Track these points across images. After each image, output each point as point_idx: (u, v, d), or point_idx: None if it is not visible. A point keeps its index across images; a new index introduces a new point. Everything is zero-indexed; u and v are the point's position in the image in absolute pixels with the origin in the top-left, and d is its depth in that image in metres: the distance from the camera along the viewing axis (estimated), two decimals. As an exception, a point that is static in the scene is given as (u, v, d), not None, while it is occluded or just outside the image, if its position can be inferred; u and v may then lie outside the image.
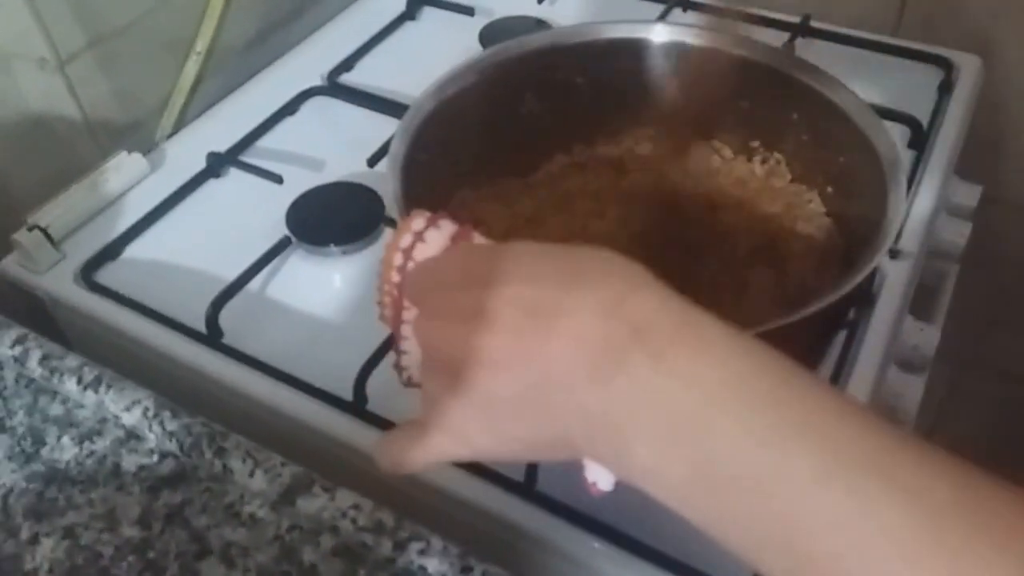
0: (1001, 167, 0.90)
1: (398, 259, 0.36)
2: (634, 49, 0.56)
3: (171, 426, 0.45)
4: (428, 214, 0.36)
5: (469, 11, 0.86)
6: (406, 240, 0.36)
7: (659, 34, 0.56)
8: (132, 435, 0.46)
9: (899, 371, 0.65)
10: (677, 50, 0.56)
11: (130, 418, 0.46)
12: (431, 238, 0.35)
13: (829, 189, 0.54)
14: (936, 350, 0.68)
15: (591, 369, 0.29)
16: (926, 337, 0.67)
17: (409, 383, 0.38)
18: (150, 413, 0.46)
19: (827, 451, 0.26)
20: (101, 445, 0.45)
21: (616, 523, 0.48)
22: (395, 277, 0.36)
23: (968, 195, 0.78)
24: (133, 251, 0.66)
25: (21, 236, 0.63)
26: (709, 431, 0.27)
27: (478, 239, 0.36)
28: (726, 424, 0.27)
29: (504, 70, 0.55)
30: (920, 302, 0.70)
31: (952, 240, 0.75)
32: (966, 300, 0.84)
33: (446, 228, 0.36)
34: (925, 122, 0.72)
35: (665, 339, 0.28)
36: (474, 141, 0.55)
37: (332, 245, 0.64)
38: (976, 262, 0.79)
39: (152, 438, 0.45)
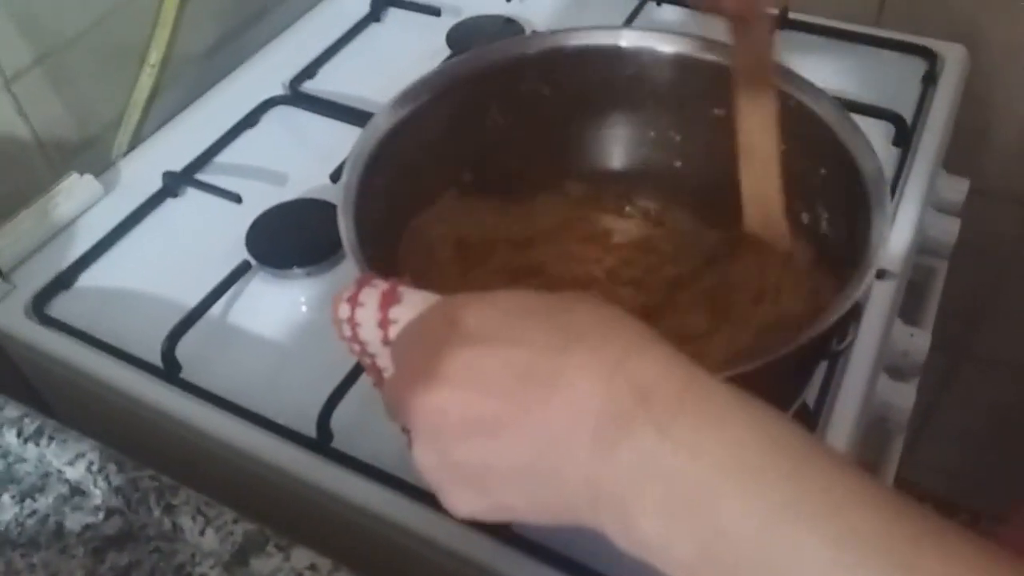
0: (988, 159, 0.88)
1: (346, 330, 0.36)
2: (602, 56, 0.53)
3: (117, 480, 0.42)
4: (358, 277, 0.36)
5: (435, 11, 0.83)
6: (344, 311, 0.35)
7: (628, 40, 0.53)
8: (76, 491, 0.43)
9: (889, 379, 0.63)
10: (647, 57, 0.53)
11: (74, 473, 0.43)
12: (366, 298, 0.35)
13: (809, 201, 0.51)
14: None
15: (593, 438, 0.27)
16: (916, 343, 0.65)
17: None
18: (95, 467, 0.43)
19: (847, 536, 0.24)
20: (43, 503, 0.43)
21: (593, 563, 0.45)
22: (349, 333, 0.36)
23: (955, 189, 0.76)
24: (87, 280, 0.63)
25: (-34, 268, 0.60)
26: (717, 507, 0.25)
27: (407, 293, 0.35)
28: (734, 499, 0.25)
29: (464, 84, 0.52)
30: (909, 302, 0.68)
31: (941, 238, 0.73)
32: (957, 292, 0.82)
33: (380, 285, 0.35)
34: (909, 117, 0.70)
35: (670, 404, 0.27)
36: (435, 159, 0.52)
37: (295, 267, 0.62)
38: (966, 254, 0.77)
39: (97, 494, 0.43)
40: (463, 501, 0.31)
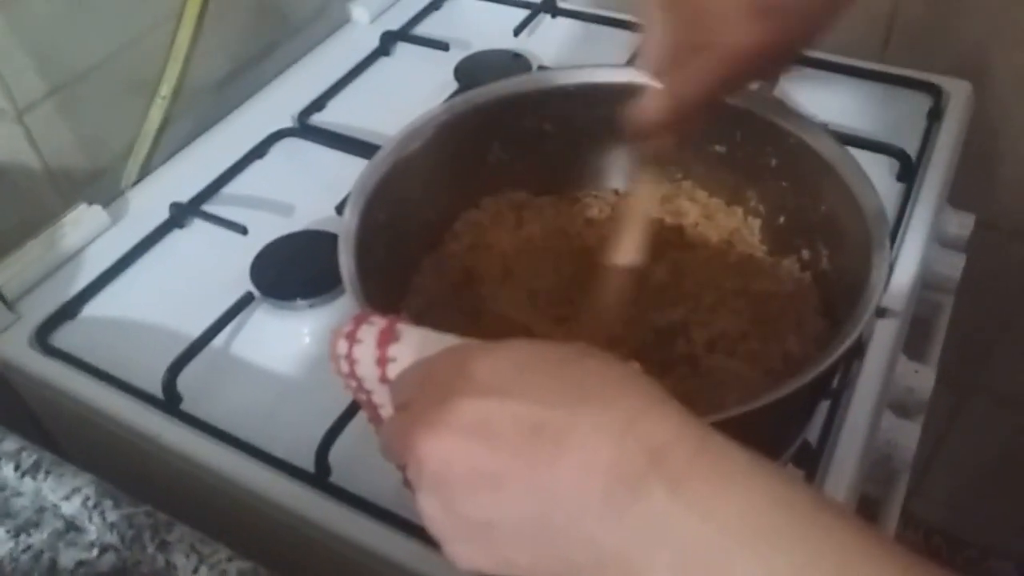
0: (994, 193, 0.87)
1: (344, 366, 0.36)
2: (603, 94, 0.53)
3: (112, 516, 0.42)
4: (356, 314, 0.36)
5: (444, 46, 0.84)
6: (343, 347, 0.35)
7: (628, 77, 0.54)
8: (71, 526, 0.43)
9: (894, 416, 0.63)
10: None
11: (70, 507, 0.43)
12: (364, 335, 0.35)
13: (809, 238, 0.51)
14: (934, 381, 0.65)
15: (603, 498, 0.27)
16: (921, 380, 0.65)
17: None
18: (91, 502, 0.43)
19: None
20: (38, 538, 0.42)
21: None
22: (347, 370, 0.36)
23: (961, 224, 0.76)
24: (91, 310, 0.64)
25: (-28, 297, 0.61)
26: (728, 570, 0.25)
27: (406, 331, 0.35)
28: (747, 564, 0.25)
29: (466, 122, 0.52)
30: (914, 338, 0.68)
31: (946, 273, 0.73)
32: (964, 327, 0.81)
33: (378, 322, 0.35)
34: (914, 152, 0.70)
35: (682, 465, 0.26)
36: (438, 194, 0.52)
37: (298, 299, 0.62)
38: (972, 289, 0.77)
39: (92, 530, 0.43)
40: (466, 554, 0.31)
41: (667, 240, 0.54)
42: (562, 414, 0.28)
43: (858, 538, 0.25)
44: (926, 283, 0.72)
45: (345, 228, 0.45)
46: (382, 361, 0.36)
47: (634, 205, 0.49)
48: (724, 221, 0.54)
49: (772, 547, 0.25)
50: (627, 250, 0.47)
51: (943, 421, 1.10)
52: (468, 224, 0.53)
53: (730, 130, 0.52)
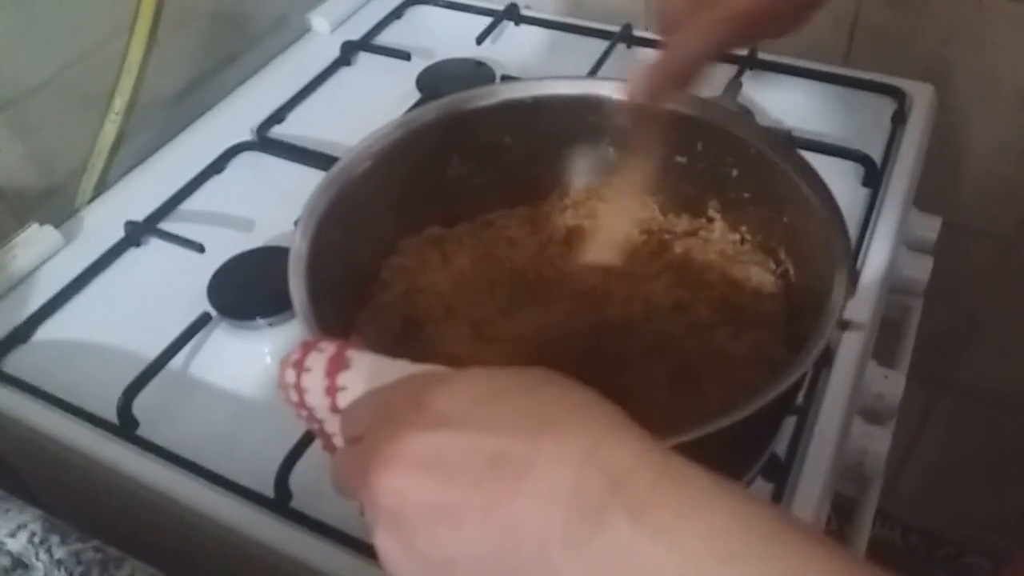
0: (960, 195, 0.88)
1: (293, 396, 0.35)
2: (562, 106, 0.53)
3: (59, 553, 0.41)
4: (304, 341, 0.35)
5: (406, 56, 0.82)
6: (290, 377, 0.34)
7: (587, 89, 0.53)
8: (18, 564, 0.41)
9: (864, 423, 0.62)
10: (607, 106, 0.52)
11: (15, 544, 0.42)
12: (312, 362, 0.34)
13: (772, 249, 0.50)
14: (906, 377, 0.65)
15: (565, 530, 0.26)
16: (891, 385, 0.64)
17: None
18: (37, 539, 0.42)
19: None
20: (-17, 577, 0.41)
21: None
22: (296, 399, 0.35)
23: (928, 227, 0.76)
24: (44, 333, 0.62)
25: (-80, 323, 0.59)
26: None
27: (356, 357, 0.34)
28: None
29: (423, 136, 0.51)
30: (884, 342, 0.67)
31: (914, 276, 0.73)
32: (934, 327, 0.81)
33: (327, 349, 0.34)
34: (879, 157, 0.70)
35: (645, 491, 0.26)
36: (394, 210, 0.51)
37: (257, 318, 0.60)
38: (941, 290, 0.77)
39: (40, 567, 0.41)
40: None
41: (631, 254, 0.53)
42: (521, 443, 0.27)
43: (825, 556, 0.24)
44: (895, 287, 0.72)
45: (295, 252, 0.44)
46: (331, 390, 0.34)
47: (612, 206, 0.48)
48: (684, 232, 0.54)
49: (738, 570, 0.24)
50: (602, 249, 0.47)
51: (916, 419, 1.11)
52: (395, 271, 0.52)
53: (691, 140, 0.52)
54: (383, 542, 0.29)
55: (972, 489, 1.16)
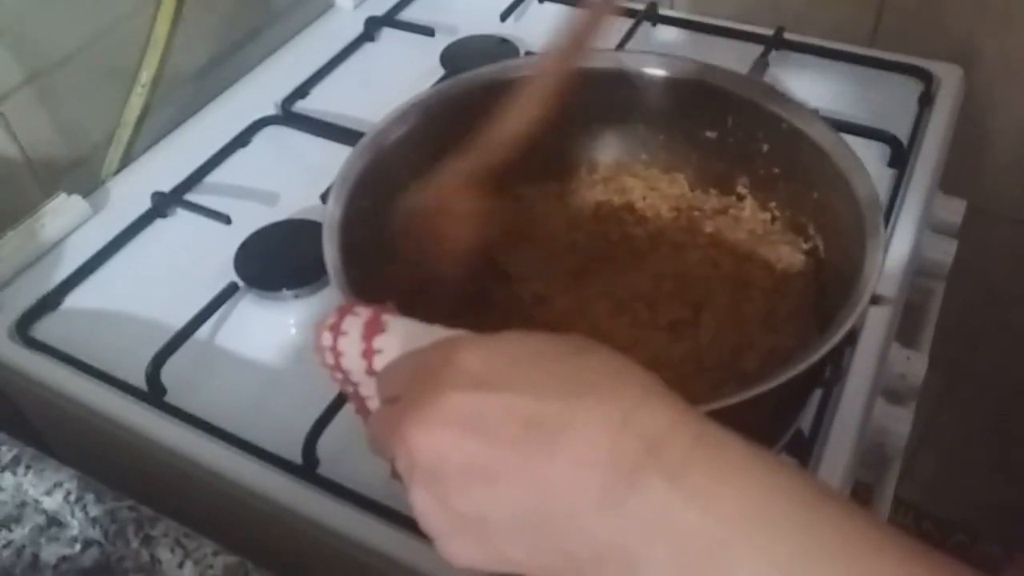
0: (985, 179, 0.87)
1: (329, 358, 0.35)
2: (592, 80, 0.52)
3: (95, 511, 0.42)
4: (339, 305, 0.35)
5: (430, 31, 0.82)
6: (327, 340, 0.35)
7: (617, 63, 0.53)
8: (54, 521, 0.42)
9: (886, 403, 0.62)
10: (637, 80, 0.52)
11: (51, 502, 0.43)
12: (349, 326, 0.34)
13: (802, 225, 0.50)
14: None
15: (601, 492, 0.26)
16: (913, 366, 0.64)
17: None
18: (72, 497, 0.42)
19: None
20: (20, 534, 0.42)
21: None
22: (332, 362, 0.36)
23: (952, 210, 0.76)
24: (73, 301, 0.63)
25: (-49, 289, 0.60)
26: (728, 562, 0.25)
27: (391, 322, 0.34)
28: (747, 554, 0.24)
29: (452, 107, 0.51)
30: (906, 324, 0.67)
31: (938, 259, 0.73)
32: (955, 312, 0.81)
33: (362, 314, 0.35)
34: (905, 138, 0.69)
35: (681, 456, 0.26)
36: (423, 181, 0.51)
37: (284, 289, 0.61)
38: (964, 274, 0.76)
39: (75, 525, 0.42)
40: (461, 550, 0.30)
41: (658, 228, 0.53)
42: (558, 407, 0.27)
43: (856, 524, 0.25)
44: (918, 269, 0.72)
45: (329, 217, 0.44)
46: (368, 353, 0.35)
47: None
48: (713, 208, 0.53)
49: (771, 536, 0.24)
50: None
51: (933, 405, 1.10)
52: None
53: (721, 116, 0.51)
54: (419, 498, 0.30)
55: (986, 476, 1.16)
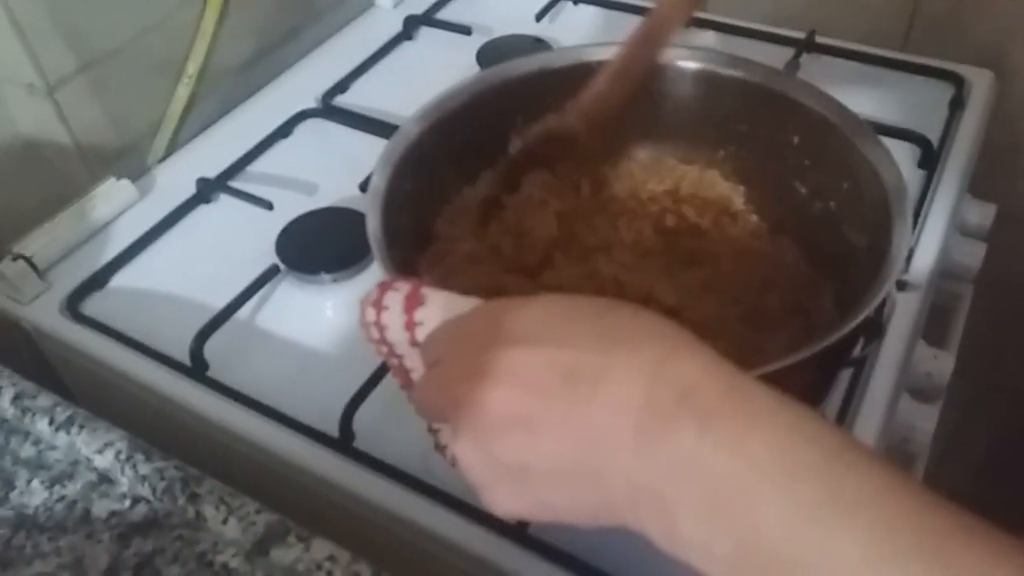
0: (1016, 185, 0.87)
1: (374, 333, 0.37)
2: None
3: (144, 470, 0.43)
4: (380, 282, 0.37)
5: (466, 31, 0.84)
6: (371, 315, 0.36)
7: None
8: (104, 479, 0.44)
9: (912, 400, 0.63)
10: (670, 72, 0.54)
11: (103, 461, 0.44)
12: (390, 301, 0.36)
13: (833, 215, 0.51)
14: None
15: (635, 436, 0.27)
16: (940, 365, 0.65)
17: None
18: (123, 456, 0.44)
19: (879, 532, 0.24)
20: (72, 489, 0.44)
21: (613, 569, 0.46)
22: (377, 336, 0.37)
23: (982, 214, 0.76)
24: (120, 280, 0.65)
25: (5, 266, 0.62)
26: (755, 505, 0.26)
27: (430, 295, 0.36)
28: (772, 498, 0.25)
29: (490, 96, 0.53)
30: (934, 326, 0.68)
31: (966, 262, 0.73)
32: (982, 319, 0.81)
33: (402, 288, 0.36)
34: (936, 140, 0.70)
35: (712, 404, 0.27)
36: (460, 167, 0.53)
37: (323, 273, 0.63)
38: (992, 281, 0.77)
39: (124, 482, 0.44)
40: (504, 499, 0.31)
41: (694, 221, 0.54)
42: (594, 358, 0.29)
43: (880, 473, 0.26)
44: (946, 272, 0.72)
45: (372, 190, 0.46)
46: (410, 325, 0.36)
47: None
48: (744, 198, 0.55)
49: (796, 481, 0.25)
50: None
51: (958, 413, 1.10)
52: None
53: (751, 108, 0.53)
54: (463, 450, 0.31)
55: (1011, 487, 1.15)
